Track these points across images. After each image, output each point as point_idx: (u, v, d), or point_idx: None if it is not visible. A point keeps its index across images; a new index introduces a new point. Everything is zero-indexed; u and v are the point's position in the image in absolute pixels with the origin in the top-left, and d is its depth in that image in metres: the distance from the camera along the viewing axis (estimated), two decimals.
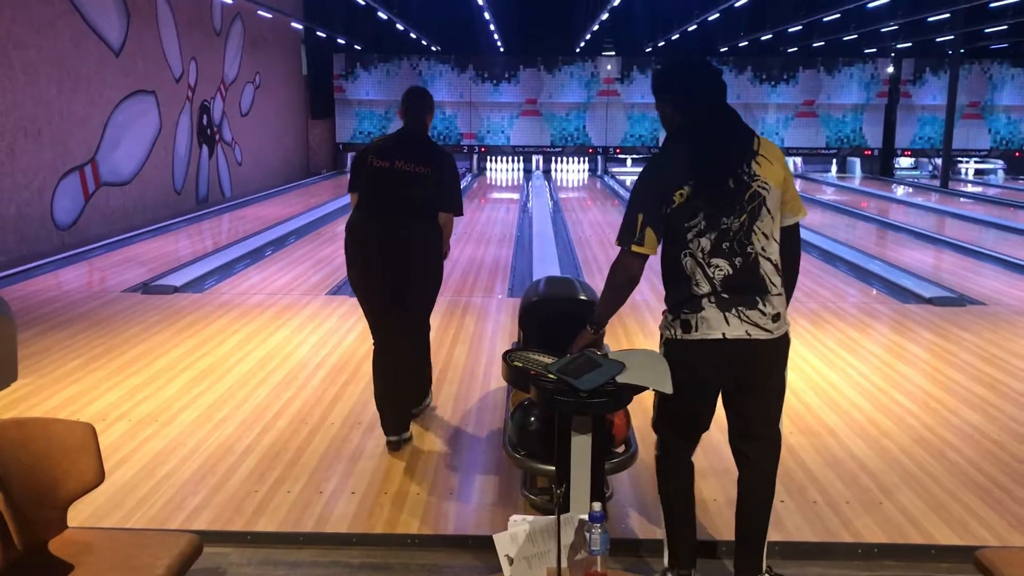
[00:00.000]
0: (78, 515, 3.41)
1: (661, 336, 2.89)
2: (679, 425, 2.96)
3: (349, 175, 4.36)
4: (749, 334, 2.72)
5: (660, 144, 2.95)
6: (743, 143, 2.75)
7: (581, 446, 2.76)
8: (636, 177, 2.88)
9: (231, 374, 5.38)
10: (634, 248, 2.73)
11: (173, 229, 11.87)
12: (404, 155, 4.14)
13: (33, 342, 5.96)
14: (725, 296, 2.71)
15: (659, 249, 2.80)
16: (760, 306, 2.73)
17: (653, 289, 8.03)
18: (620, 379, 2.71)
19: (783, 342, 2.83)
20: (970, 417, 4.77)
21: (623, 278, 2.80)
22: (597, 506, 2.10)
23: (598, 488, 2.82)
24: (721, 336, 2.71)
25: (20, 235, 9.25)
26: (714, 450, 4.25)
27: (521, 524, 2.16)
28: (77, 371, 5.37)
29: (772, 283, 2.76)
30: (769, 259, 2.76)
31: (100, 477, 2.57)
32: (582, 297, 4.17)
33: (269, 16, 16.90)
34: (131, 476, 3.87)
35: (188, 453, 4.15)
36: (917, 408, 4.91)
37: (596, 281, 8.36)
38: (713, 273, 2.71)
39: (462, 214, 4.42)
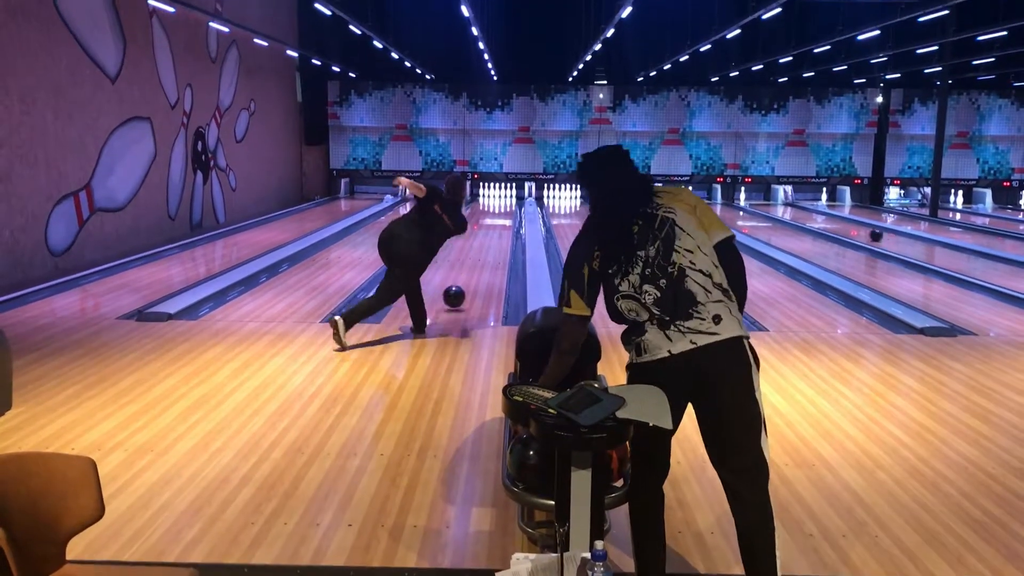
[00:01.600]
0: (74, 547, 3.38)
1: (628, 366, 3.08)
2: (642, 448, 3.02)
3: None
4: (694, 342, 2.84)
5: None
6: (640, 191, 3.05)
7: (581, 481, 2.77)
8: None
9: (226, 403, 5.38)
10: (564, 309, 3.03)
11: (167, 255, 11.87)
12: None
13: (27, 370, 5.94)
14: (666, 318, 2.87)
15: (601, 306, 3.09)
16: (697, 315, 2.86)
17: None
18: (620, 414, 2.73)
19: (735, 346, 2.87)
20: (963, 449, 4.80)
21: (565, 344, 3.10)
22: (600, 544, 2.11)
23: (598, 523, 2.82)
24: (667, 353, 2.87)
25: (14, 261, 9.24)
26: (708, 482, 4.26)
27: (523, 562, 2.16)
28: (72, 400, 5.35)
29: (706, 291, 2.88)
30: (699, 271, 2.90)
31: (100, 512, 2.57)
32: None
33: (264, 44, 17.00)
34: (127, 507, 3.86)
35: (184, 484, 4.14)
36: (910, 439, 4.93)
37: None
38: (645, 299, 2.90)
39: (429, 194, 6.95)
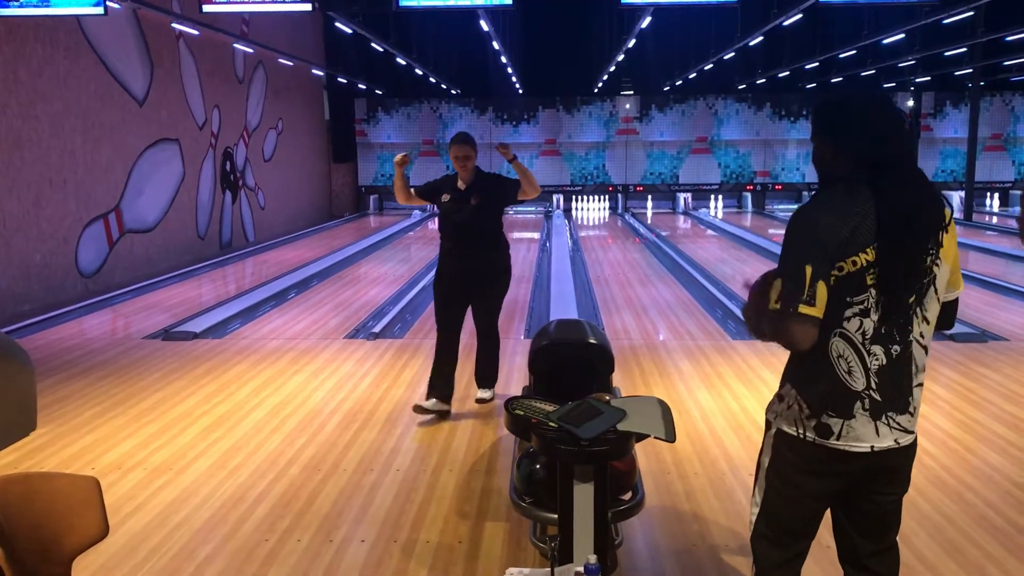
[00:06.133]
0: (89, 566, 3.44)
1: (776, 428, 2.35)
2: (784, 537, 2.43)
3: None
4: (898, 442, 2.27)
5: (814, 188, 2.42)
6: (938, 210, 2.23)
7: (583, 495, 2.75)
8: (791, 223, 2.27)
9: (246, 421, 5.41)
10: (803, 309, 2.13)
11: (196, 275, 12.01)
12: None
13: (53, 391, 6.03)
14: (879, 399, 2.22)
15: None
16: (909, 408, 2.27)
17: (672, 328, 8.00)
18: (621, 427, 2.71)
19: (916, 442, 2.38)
20: (990, 457, 4.70)
21: (794, 347, 2.24)
22: (593, 558, 2.09)
23: (602, 536, 2.80)
24: (869, 449, 2.24)
25: (45, 283, 9.40)
26: (727, 495, 4.21)
27: None
28: (95, 419, 5.42)
29: (919, 370, 2.28)
30: (924, 346, 2.27)
31: (104, 531, 2.58)
32: (591, 340, 4.17)
33: (290, 64, 17.19)
34: (144, 526, 3.90)
35: (201, 502, 4.17)
36: (935, 448, 4.84)
37: (613, 320, 8.34)
38: (870, 363, 2.21)
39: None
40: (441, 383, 5.47)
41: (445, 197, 5.62)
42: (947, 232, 2.23)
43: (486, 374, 5.84)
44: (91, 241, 10.34)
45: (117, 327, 8.63)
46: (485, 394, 5.79)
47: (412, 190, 5.85)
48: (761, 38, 14.69)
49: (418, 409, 5.37)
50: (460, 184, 5.61)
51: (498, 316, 5.83)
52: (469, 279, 5.55)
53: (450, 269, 5.60)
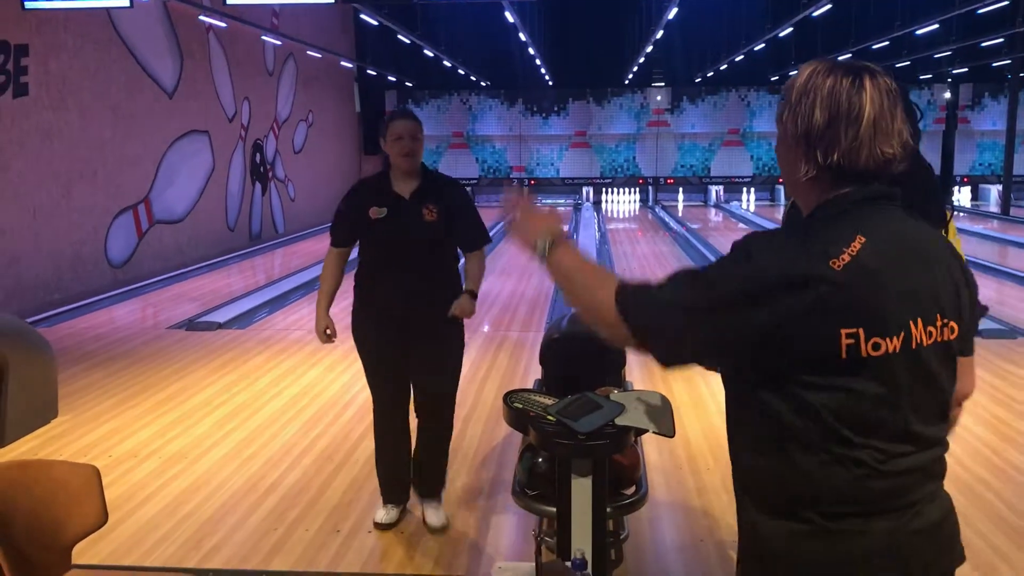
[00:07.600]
0: (97, 554, 3.47)
1: None
2: None
3: None
4: None
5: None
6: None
7: (581, 489, 2.72)
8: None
9: (263, 411, 5.45)
10: None
11: (224, 265, 12.12)
12: None
13: (76, 379, 6.11)
14: None
15: None
16: None
17: None
18: (619, 421, 2.68)
19: None
20: (1013, 457, 4.60)
21: None
22: (580, 553, 2.07)
23: (600, 531, 2.77)
24: None
25: (75, 273, 9.52)
26: None
27: (504, 572, 2.13)
28: (114, 408, 5.48)
29: None
30: None
31: (103, 519, 2.60)
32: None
33: (320, 56, 17.26)
34: (154, 514, 3.93)
35: (212, 491, 4.20)
36: (957, 447, 4.73)
37: None
38: None
39: None
40: (398, 485, 3.85)
41: (377, 211, 3.61)
42: (946, 231, 2.24)
43: (429, 478, 3.85)
44: (120, 232, 10.46)
45: (144, 317, 8.73)
46: (433, 517, 3.77)
47: (340, 257, 3.80)
48: (791, 29, 14.50)
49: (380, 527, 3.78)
50: (399, 188, 3.66)
51: (455, 387, 3.84)
52: (409, 331, 3.66)
53: (383, 319, 3.66)
